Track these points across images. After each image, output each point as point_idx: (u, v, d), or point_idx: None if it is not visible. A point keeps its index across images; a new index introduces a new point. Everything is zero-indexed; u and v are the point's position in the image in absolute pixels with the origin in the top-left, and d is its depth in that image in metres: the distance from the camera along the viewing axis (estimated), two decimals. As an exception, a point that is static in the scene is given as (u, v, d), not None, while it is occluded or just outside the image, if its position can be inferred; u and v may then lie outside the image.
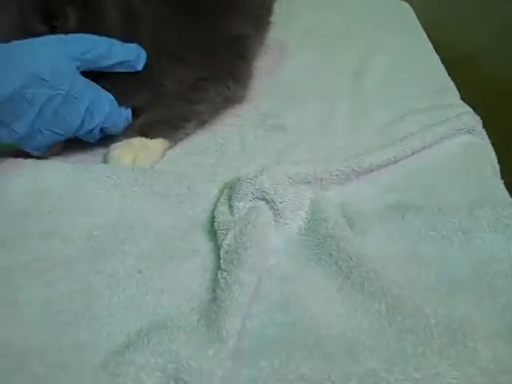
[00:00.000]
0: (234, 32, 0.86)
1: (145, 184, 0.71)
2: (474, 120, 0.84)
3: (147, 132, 0.77)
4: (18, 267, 0.62)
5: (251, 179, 0.66)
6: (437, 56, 1.05)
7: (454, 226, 0.65)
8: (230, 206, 0.66)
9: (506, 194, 0.74)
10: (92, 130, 0.74)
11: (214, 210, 0.68)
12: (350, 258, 0.60)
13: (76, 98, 0.70)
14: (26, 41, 0.69)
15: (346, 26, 1.13)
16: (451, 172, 0.76)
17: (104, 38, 0.73)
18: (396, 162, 0.76)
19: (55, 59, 0.69)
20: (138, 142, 0.77)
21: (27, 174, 0.72)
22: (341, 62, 1.01)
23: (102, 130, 0.76)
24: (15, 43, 0.68)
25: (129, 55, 0.74)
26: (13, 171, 0.72)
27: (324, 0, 1.23)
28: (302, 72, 0.98)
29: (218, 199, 0.68)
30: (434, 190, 0.73)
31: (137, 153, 0.76)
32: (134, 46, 0.75)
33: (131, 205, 0.70)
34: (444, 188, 0.73)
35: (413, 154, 0.77)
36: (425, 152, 0.78)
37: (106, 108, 0.74)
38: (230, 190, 0.68)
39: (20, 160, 0.74)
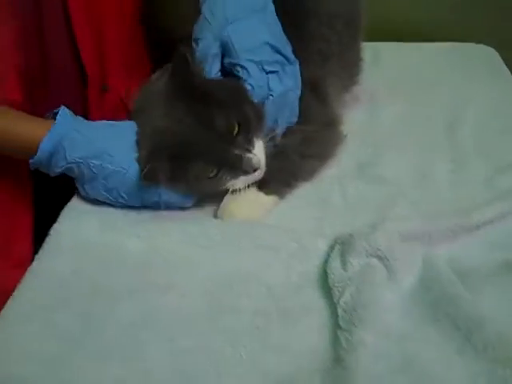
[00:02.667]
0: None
1: (254, 238, 0.73)
2: None
3: (262, 187, 0.79)
4: (142, 322, 0.64)
5: (365, 237, 0.67)
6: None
7: None
8: (343, 263, 0.67)
9: None
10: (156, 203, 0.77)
11: (324, 265, 0.69)
12: (470, 319, 0.60)
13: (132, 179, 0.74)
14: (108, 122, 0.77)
15: (433, 74, 1.13)
16: None
17: None
18: (502, 217, 0.75)
19: (126, 143, 0.74)
20: (252, 195, 0.78)
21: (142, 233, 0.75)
22: (433, 111, 1.01)
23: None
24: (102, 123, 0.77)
25: None
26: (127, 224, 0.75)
27: (408, 47, 1.24)
28: (395, 122, 0.98)
29: (329, 255, 0.69)
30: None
31: (250, 207, 0.78)
32: None
33: (242, 258, 0.71)
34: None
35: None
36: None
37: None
38: (343, 246, 0.69)
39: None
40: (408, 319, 0.63)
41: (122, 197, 0.75)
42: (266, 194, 0.79)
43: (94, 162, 0.73)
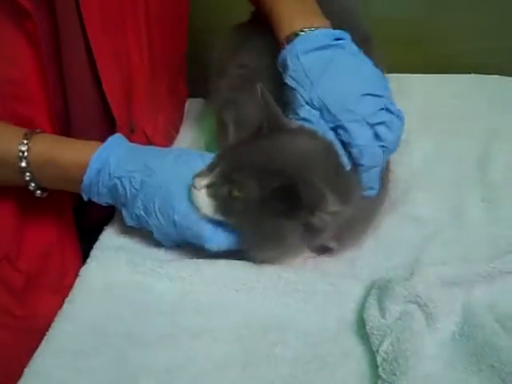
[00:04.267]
0: None
1: (289, 282, 0.71)
2: None
3: None
4: (176, 369, 0.62)
5: (404, 283, 0.66)
6: None
7: None
8: (381, 309, 0.65)
9: None
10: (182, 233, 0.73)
11: (361, 310, 0.67)
12: (514, 371, 0.58)
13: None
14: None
15: (461, 108, 1.12)
16: None
17: None
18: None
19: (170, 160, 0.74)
20: None
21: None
22: (463, 146, 1.00)
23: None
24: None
25: None
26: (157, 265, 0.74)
27: (432, 80, 1.22)
28: (426, 158, 0.97)
29: (366, 300, 0.68)
30: None
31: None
32: None
33: (276, 303, 0.70)
34: None
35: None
36: None
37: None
38: (380, 292, 0.67)
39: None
40: (450, 369, 0.61)
41: (158, 218, 0.72)
42: None
43: (135, 175, 0.72)
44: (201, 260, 0.74)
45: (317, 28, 0.75)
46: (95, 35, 0.76)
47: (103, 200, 0.76)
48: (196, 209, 0.70)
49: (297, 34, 0.75)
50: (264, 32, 0.84)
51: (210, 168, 0.70)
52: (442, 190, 0.89)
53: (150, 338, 0.66)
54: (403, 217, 0.84)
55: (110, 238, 0.80)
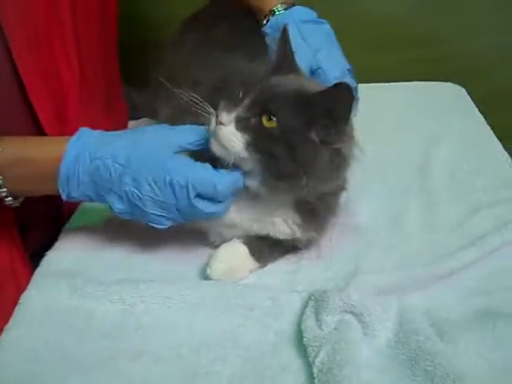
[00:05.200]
0: None
1: (229, 298, 0.72)
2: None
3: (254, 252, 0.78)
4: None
5: (339, 293, 0.67)
6: (498, 142, 1.05)
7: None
8: (318, 320, 0.66)
9: None
10: (185, 196, 0.70)
11: (300, 322, 0.68)
12: (447, 376, 0.59)
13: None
14: None
15: (402, 114, 1.15)
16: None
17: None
18: (476, 262, 0.76)
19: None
20: (242, 253, 0.78)
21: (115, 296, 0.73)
22: (403, 155, 1.02)
23: (203, 198, 0.71)
24: None
25: None
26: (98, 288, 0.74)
27: (374, 88, 1.24)
28: (366, 167, 0.98)
29: (304, 312, 0.68)
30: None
31: (235, 266, 0.77)
32: None
33: (217, 320, 0.70)
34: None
35: (492, 253, 0.77)
36: (504, 250, 0.77)
37: (198, 170, 0.70)
38: (316, 303, 0.68)
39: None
40: (386, 376, 0.62)
41: (153, 189, 0.70)
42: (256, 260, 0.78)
43: (119, 152, 0.71)
44: (140, 280, 0.74)
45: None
46: (20, 53, 0.76)
47: (84, 190, 0.72)
48: (223, 147, 0.69)
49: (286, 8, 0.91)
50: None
51: (233, 103, 0.69)
52: (382, 198, 0.91)
53: (90, 362, 0.65)
54: (343, 226, 0.85)
55: (51, 263, 0.79)
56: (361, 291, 0.67)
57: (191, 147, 0.72)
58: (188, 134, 0.73)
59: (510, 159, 1.00)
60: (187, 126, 0.75)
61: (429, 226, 0.85)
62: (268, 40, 0.91)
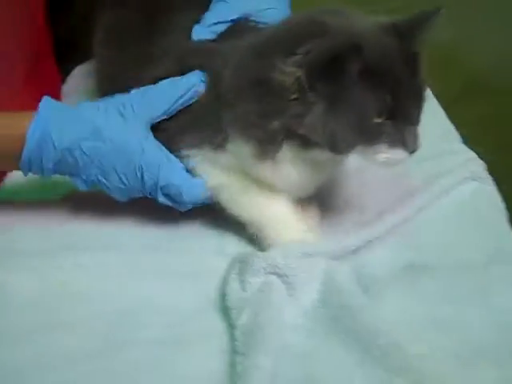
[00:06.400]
0: None
1: (153, 263, 0.71)
2: (479, 167, 0.83)
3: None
4: (29, 367, 0.60)
5: (263, 254, 0.66)
6: (434, 99, 1.04)
7: (471, 287, 0.64)
8: (241, 282, 0.65)
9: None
10: (153, 191, 0.70)
11: (225, 286, 0.67)
12: (368, 331, 0.59)
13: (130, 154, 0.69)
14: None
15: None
16: (462, 225, 0.76)
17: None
18: (405, 219, 0.75)
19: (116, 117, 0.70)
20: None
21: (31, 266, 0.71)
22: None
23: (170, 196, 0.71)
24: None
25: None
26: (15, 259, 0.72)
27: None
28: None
29: (228, 274, 0.67)
30: (446, 246, 0.72)
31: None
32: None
33: (140, 287, 0.69)
34: (456, 243, 0.73)
35: (422, 209, 0.76)
36: (433, 206, 0.77)
37: (169, 172, 0.70)
38: (241, 265, 0.67)
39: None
40: (310, 336, 0.62)
41: (122, 180, 0.69)
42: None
43: (85, 143, 0.68)
44: (62, 247, 0.72)
45: None
46: None
47: (47, 174, 0.71)
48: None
49: None
50: None
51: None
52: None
53: (3, 336, 0.63)
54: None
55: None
56: (285, 253, 0.66)
57: (164, 116, 0.71)
58: (157, 103, 0.70)
59: (445, 114, 1.00)
60: (155, 90, 0.71)
61: (360, 186, 0.83)
62: None
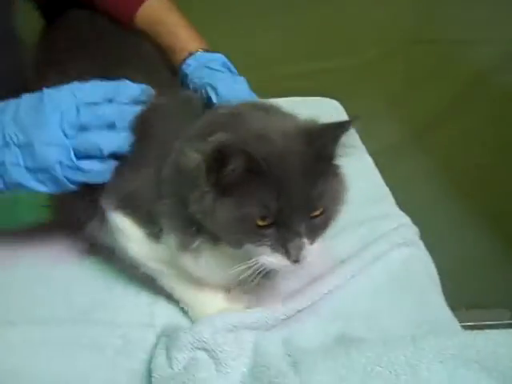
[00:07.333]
0: None
1: (79, 337, 0.68)
2: (411, 232, 0.84)
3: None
4: None
5: (190, 329, 0.64)
6: (370, 159, 1.05)
7: (400, 359, 0.63)
8: (168, 358, 0.63)
9: (447, 311, 0.74)
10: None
11: (152, 361, 0.65)
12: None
13: None
14: None
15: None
16: (393, 294, 0.76)
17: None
18: (337, 287, 0.75)
19: None
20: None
21: None
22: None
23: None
24: None
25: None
26: None
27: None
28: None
29: (155, 349, 0.65)
30: (376, 316, 0.73)
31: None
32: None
33: (65, 363, 0.66)
34: (386, 313, 0.73)
35: (353, 277, 0.76)
36: (365, 273, 0.77)
37: None
38: (168, 340, 0.65)
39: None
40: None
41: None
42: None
43: None
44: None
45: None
46: None
47: None
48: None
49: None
50: None
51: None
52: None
53: None
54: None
55: None
56: (212, 327, 0.65)
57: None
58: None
59: (380, 176, 1.01)
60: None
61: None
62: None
